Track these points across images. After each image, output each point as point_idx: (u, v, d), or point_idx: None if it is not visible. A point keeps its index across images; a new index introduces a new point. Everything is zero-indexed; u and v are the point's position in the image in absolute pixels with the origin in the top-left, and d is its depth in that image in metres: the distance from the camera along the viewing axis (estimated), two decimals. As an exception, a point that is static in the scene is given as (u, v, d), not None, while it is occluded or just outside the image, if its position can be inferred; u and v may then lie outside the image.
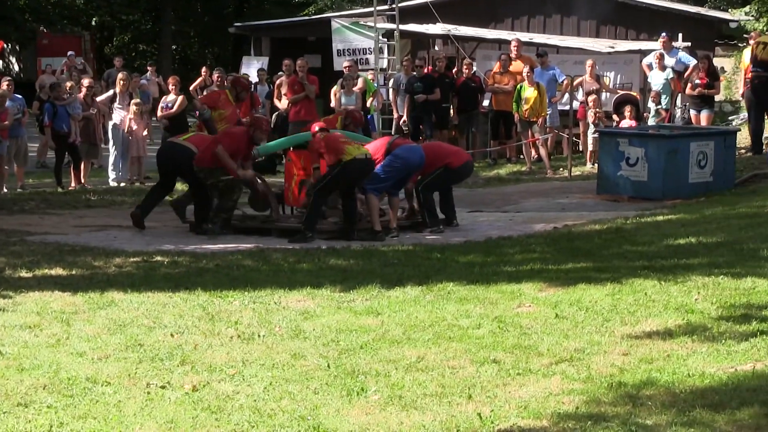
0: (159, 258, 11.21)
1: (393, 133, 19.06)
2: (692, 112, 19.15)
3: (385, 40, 23.04)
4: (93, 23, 40.42)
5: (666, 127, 17.19)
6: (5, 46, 37.01)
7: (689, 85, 19.03)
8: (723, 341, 7.19)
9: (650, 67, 19.71)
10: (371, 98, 21.08)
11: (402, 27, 22.72)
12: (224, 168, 12.70)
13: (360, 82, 20.29)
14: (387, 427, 5.82)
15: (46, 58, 31.45)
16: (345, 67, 20.30)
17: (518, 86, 19.55)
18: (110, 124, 18.84)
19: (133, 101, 18.79)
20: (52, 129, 17.90)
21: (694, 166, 15.26)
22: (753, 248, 10.33)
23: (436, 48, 24.49)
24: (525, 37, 22.35)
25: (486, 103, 21.08)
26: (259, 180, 13.34)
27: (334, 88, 20.11)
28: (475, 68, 21.19)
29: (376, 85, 21.49)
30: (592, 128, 19.12)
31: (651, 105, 19.37)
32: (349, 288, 9.35)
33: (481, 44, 23.41)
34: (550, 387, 6.40)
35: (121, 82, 19.07)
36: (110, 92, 19.50)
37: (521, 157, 20.45)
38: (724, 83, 23.35)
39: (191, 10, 44.73)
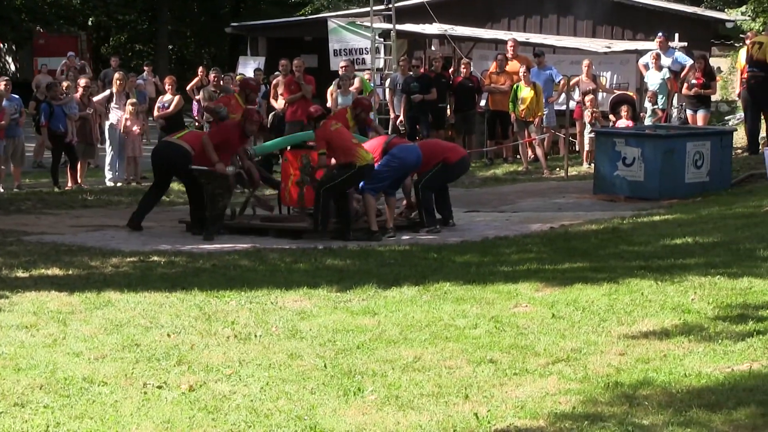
0: (156, 258, 11.21)
1: (390, 132, 19.05)
2: (689, 112, 19.16)
3: (382, 40, 23.03)
4: (89, 23, 40.37)
5: (662, 127, 17.20)
6: (2, 46, 37.03)
7: (686, 85, 19.05)
8: (720, 341, 7.19)
9: (647, 67, 19.72)
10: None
11: (398, 27, 22.71)
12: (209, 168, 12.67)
13: (356, 82, 20.27)
14: (384, 427, 5.82)
15: (43, 58, 31.39)
16: (341, 67, 20.30)
17: (515, 86, 19.56)
18: (107, 124, 18.82)
19: (129, 101, 18.78)
20: (49, 129, 17.88)
21: (691, 166, 15.27)
22: (749, 248, 10.34)
23: (433, 48, 24.50)
24: (521, 37, 22.36)
25: (483, 103, 21.09)
26: (245, 176, 13.34)
27: (331, 88, 20.10)
28: (472, 68, 21.19)
29: (372, 85, 21.48)
30: (588, 128, 19.13)
31: (647, 105, 19.38)
32: (346, 288, 9.35)
33: (477, 44, 23.42)
34: (546, 387, 6.40)
35: (118, 82, 19.06)
36: (107, 92, 19.48)
37: (518, 157, 20.45)
38: (720, 83, 23.37)
39: (188, 10, 44.68)
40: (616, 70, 22.03)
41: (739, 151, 18.27)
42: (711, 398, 5.99)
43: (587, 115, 19.24)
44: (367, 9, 23.43)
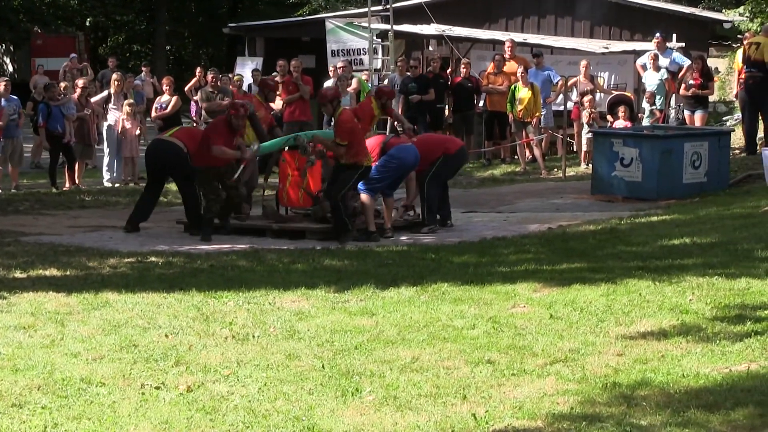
0: (153, 258, 11.21)
1: (387, 132, 19.05)
2: (686, 113, 19.18)
3: (380, 40, 23.03)
4: (87, 24, 40.38)
5: (660, 128, 17.21)
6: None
7: (683, 85, 19.06)
8: (717, 342, 7.20)
9: (644, 67, 19.72)
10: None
11: (396, 27, 22.71)
12: (216, 167, 12.65)
13: (354, 83, 20.28)
14: (381, 428, 5.82)
15: (41, 58, 31.42)
16: (339, 68, 20.30)
17: (512, 87, 19.56)
18: (105, 124, 18.83)
19: (126, 101, 18.78)
20: (47, 129, 17.89)
21: (689, 166, 15.28)
22: (747, 249, 10.35)
23: (431, 48, 24.49)
24: (519, 37, 22.36)
25: (480, 103, 21.09)
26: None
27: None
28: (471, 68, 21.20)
29: (370, 85, 21.47)
30: (586, 129, 19.13)
31: (645, 105, 19.39)
32: (344, 288, 9.35)
33: (475, 45, 23.41)
34: (544, 387, 6.40)
35: (116, 82, 19.07)
36: (105, 93, 19.49)
37: (515, 157, 20.46)
38: (718, 84, 23.38)
39: (185, 11, 44.70)
40: (614, 71, 22.03)
41: (737, 151, 18.29)
42: (709, 399, 5.99)
43: (585, 116, 19.25)
44: (365, 9, 23.43)
